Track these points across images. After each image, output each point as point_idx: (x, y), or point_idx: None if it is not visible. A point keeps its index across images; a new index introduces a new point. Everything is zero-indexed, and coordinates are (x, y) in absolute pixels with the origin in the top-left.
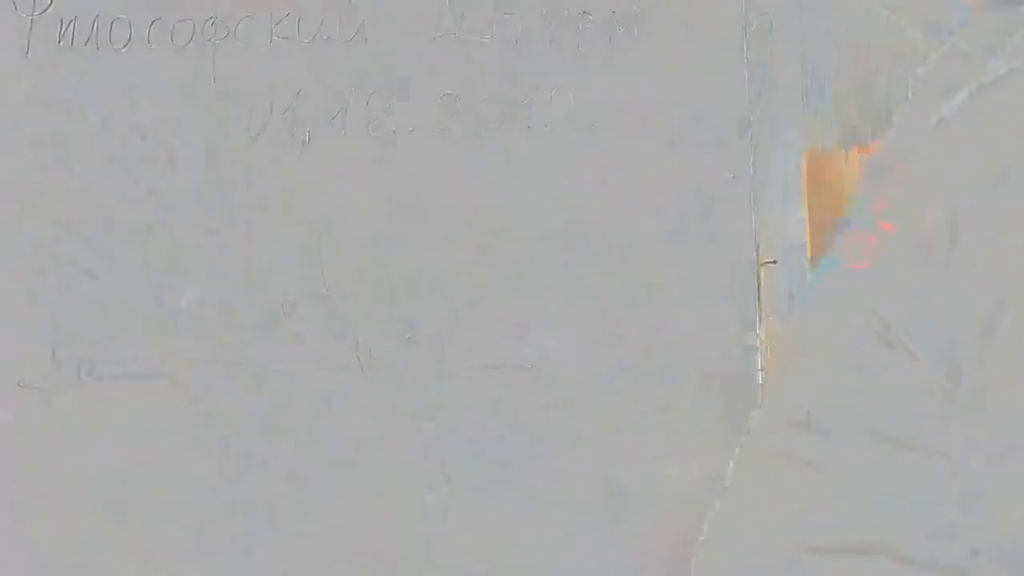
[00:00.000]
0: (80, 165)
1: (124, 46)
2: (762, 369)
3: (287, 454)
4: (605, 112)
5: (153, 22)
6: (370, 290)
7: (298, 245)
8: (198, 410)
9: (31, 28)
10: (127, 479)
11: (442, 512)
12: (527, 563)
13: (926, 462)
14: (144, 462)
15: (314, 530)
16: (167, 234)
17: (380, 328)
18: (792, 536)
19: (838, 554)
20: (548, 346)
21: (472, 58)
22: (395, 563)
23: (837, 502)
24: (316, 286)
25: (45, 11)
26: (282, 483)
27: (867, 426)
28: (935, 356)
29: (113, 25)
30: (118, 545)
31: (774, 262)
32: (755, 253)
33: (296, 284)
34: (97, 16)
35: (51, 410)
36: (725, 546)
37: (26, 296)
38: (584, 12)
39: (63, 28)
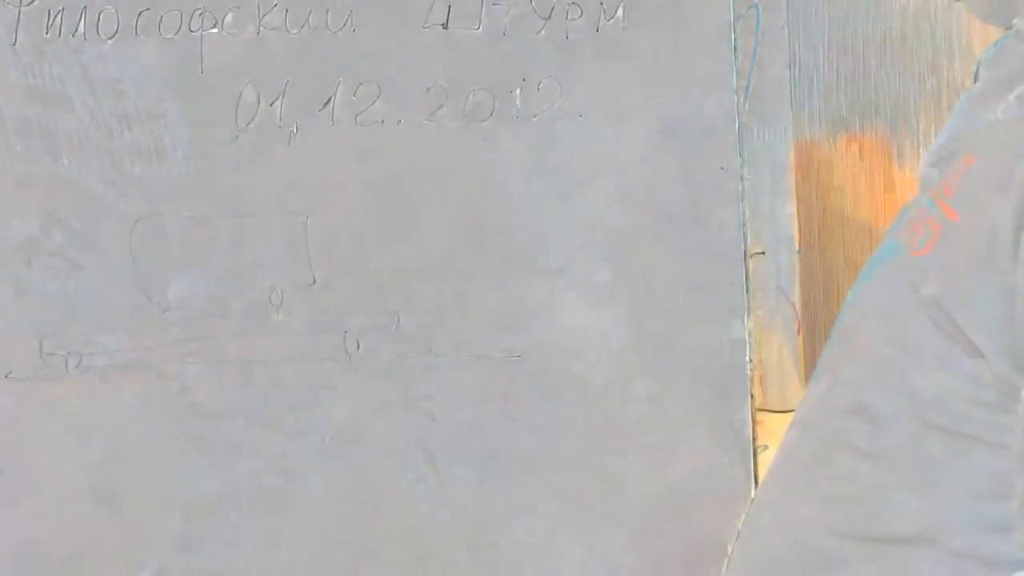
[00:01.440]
0: (67, 156)
1: (111, 37)
2: (750, 360)
3: (275, 445)
4: (594, 103)
5: (140, 13)
6: (358, 281)
7: (285, 236)
8: (185, 401)
9: (18, 19)
10: (115, 470)
11: (430, 503)
12: (516, 553)
13: (983, 455)
14: (132, 453)
15: (302, 521)
16: (154, 225)
17: (368, 319)
18: (839, 522)
19: (885, 543)
20: (536, 337)
21: (460, 49)
22: (383, 554)
23: (888, 490)
24: (304, 277)
25: (32, 2)
26: (270, 474)
27: (922, 415)
28: (997, 349)
29: (100, 16)
30: (105, 535)
31: (762, 252)
32: (744, 244)
33: (284, 275)
34: (84, 7)
35: (39, 402)
36: (770, 529)
37: (13, 288)
38: (572, 3)
39: (50, 19)
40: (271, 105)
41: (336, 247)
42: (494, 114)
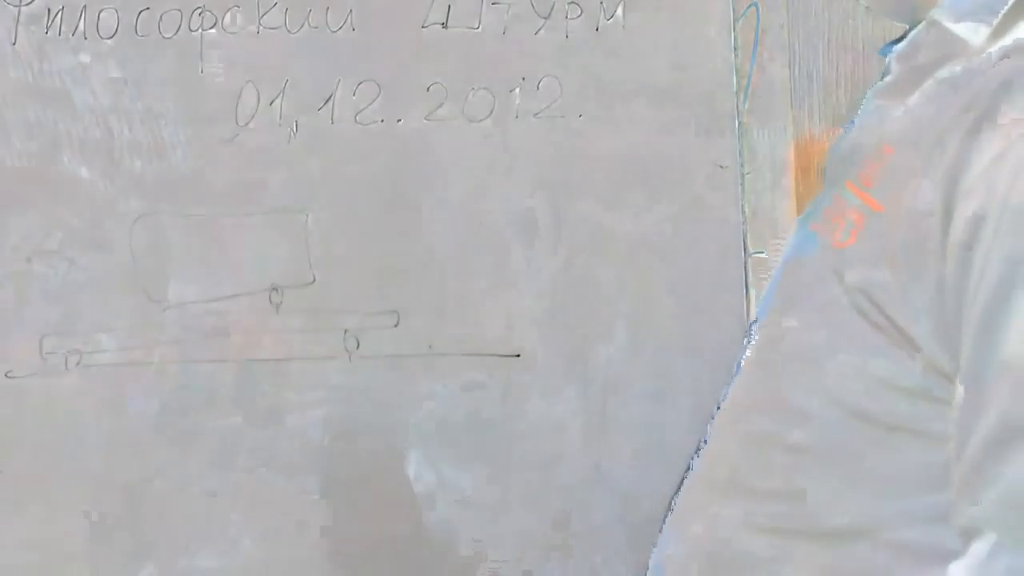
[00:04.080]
0: (67, 155)
1: (111, 37)
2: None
3: (275, 445)
4: (593, 101)
5: (140, 13)
6: (358, 280)
7: (286, 234)
8: (185, 401)
9: (18, 18)
10: (115, 467)
11: (430, 498)
12: (515, 547)
13: (915, 446)
14: (131, 452)
15: (302, 517)
16: (154, 224)
17: (368, 318)
18: (768, 519)
19: (817, 538)
20: (536, 334)
21: (460, 48)
22: (383, 548)
23: (818, 485)
24: (304, 276)
25: (32, 2)
26: (270, 470)
27: (851, 407)
28: (928, 338)
29: (100, 15)
30: (105, 530)
31: (762, 252)
32: (744, 242)
33: (284, 273)
34: (84, 7)
35: (38, 400)
36: (697, 531)
37: (14, 286)
38: (572, 2)
39: (51, 18)
40: (271, 104)
41: (336, 246)
42: (494, 113)
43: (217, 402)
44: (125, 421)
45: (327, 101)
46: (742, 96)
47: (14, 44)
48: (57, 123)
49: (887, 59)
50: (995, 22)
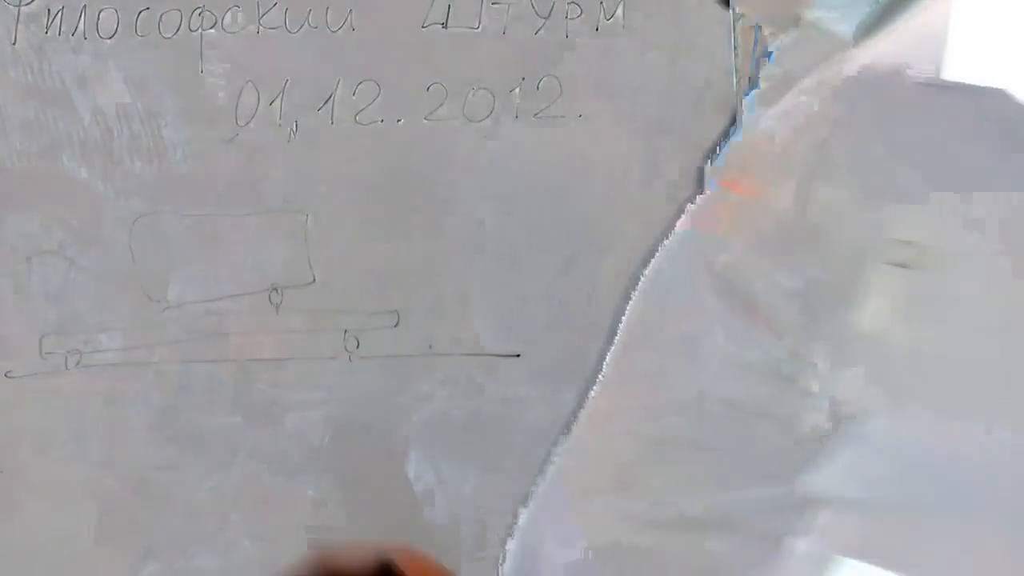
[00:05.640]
0: (67, 155)
1: (111, 37)
2: None
3: (275, 445)
4: (593, 101)
5: (140, 12)
6: (357, 280)
7: (285, 235)
8: (185, 401)
9: (18, 18)
10: (115, 467)
11: (430, 498)
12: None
13: (776, 433)
14: (131, 452)
15: (302, 517)
16: (154, 224)
17: (368, 317)
18: (635, 514)
19: (680, 531)
20: (536, 334)
21: (460, 48)
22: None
23: (682, 475)
24: (304, 276)
25: (32, 2)
26: (270, 470)
27: (720, 396)
28: (790, 323)
29: (100, 15)
30: (105, 530)
31: None
32: None
33: (284, 273)
34: (84, 7)
35: (38, 400)
36: (581, 529)
37: (13, 286)
38: (572, 2)
39: (50, 18)
40: (271, 104)
41: (336, 246)
42: (494, 113)
43: (217, 402)
44: (125, 421)
45: (327, 101)
46: (742, 96)
47: (14, 44)
48: (57, 123)
49: (760, 66)
50: (861, 21)
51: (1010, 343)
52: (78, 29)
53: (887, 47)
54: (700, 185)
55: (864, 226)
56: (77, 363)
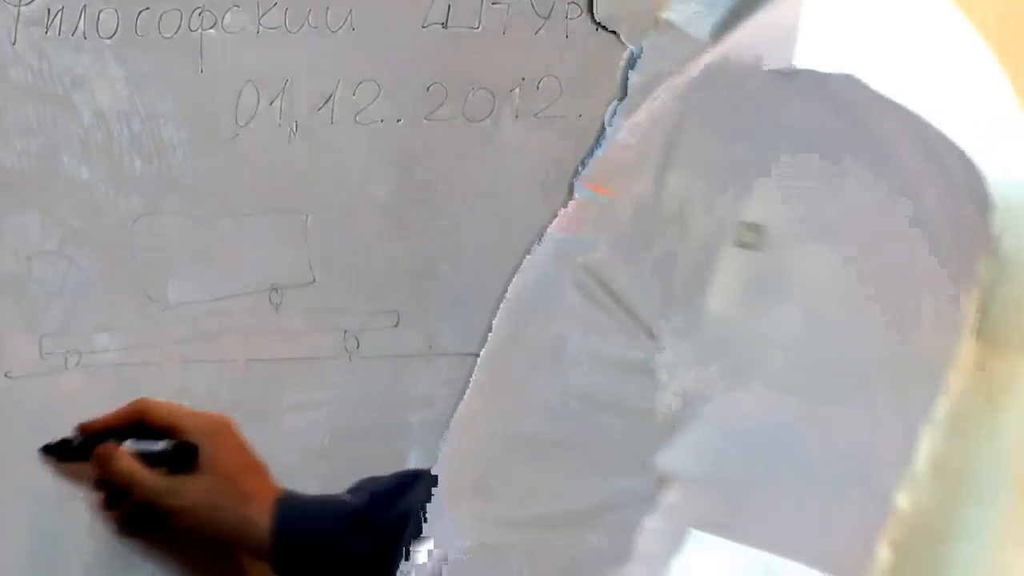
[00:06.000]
0: (67, 155)
1: (111, 37)
2: None
3: (275, 445)
4: (593, 102)
5: (140, 12)
6: (357, 280)
7: (285, 234)
8: (185, 401)
9: (18, 17)
10: None
11: None
12: None
13: (636, 425)
14: None
15: None
16: (154, 224)
17: (368, 317)
18: (502, 513)
19: (552, 528)
20: None
21: (460, 48)
22: None
23: (548, 472)
24: (304, 276)
25: (32, 1)
26: (270, 470)
27: (582, 392)
28: (651, 315)
29: (100, 15)
30: (105, 530)
31: None
32: None
33: (284, 274)
34: (84, 7)
35: (39, 400)
36: (455, 533)
37: (13, 286)
38: (572, 2)
39: (51, 18)
40: (270, 104)
41: (336, 246)
42: (494, 113)
43: (217, 402)
44: None
45: (327, 101)
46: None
47: (14, 44)
48: (57, 123)
49: (624, 74)
50: (714, 21)
51: (842, 323)
52: (78, 29)
53: (742, 40)
54: (571, 195)
55: (715, 211)
56: (77, 363)
